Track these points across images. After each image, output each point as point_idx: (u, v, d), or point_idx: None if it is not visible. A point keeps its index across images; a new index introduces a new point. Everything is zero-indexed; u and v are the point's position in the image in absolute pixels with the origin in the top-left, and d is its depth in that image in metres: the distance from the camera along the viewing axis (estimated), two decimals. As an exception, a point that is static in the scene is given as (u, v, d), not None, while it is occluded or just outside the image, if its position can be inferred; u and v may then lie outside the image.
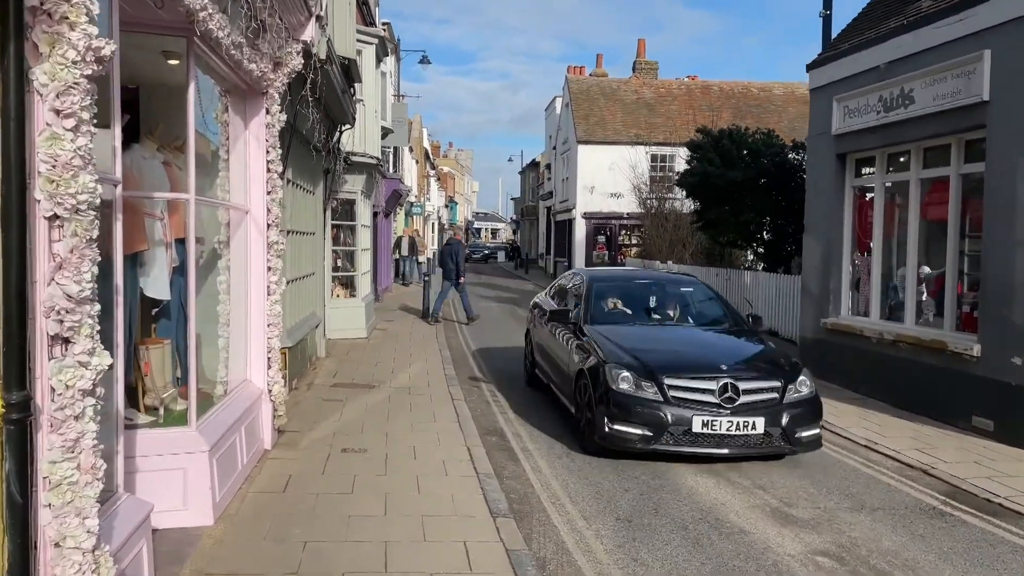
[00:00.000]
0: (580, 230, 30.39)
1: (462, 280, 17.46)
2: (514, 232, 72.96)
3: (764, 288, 16.27)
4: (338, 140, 12.15)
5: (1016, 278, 7.91)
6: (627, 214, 29.56)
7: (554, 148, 37.62)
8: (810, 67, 11.89)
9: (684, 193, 18.81)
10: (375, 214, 19.01)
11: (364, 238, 15.32)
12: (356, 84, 11.64)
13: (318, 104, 8.93)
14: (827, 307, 11.31)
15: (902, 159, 10.13)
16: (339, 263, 14.90)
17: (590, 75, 35.57)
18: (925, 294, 9.88)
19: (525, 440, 8.08)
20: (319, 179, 12.06)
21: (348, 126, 12.08)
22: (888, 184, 10.47)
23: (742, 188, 16.38)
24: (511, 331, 16.47)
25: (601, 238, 30.56)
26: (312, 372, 11.04)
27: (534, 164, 52.59)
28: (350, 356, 12.51)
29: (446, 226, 24.64)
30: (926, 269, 9.89)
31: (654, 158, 29.19)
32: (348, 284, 14.88)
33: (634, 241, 29.94)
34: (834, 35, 12.07)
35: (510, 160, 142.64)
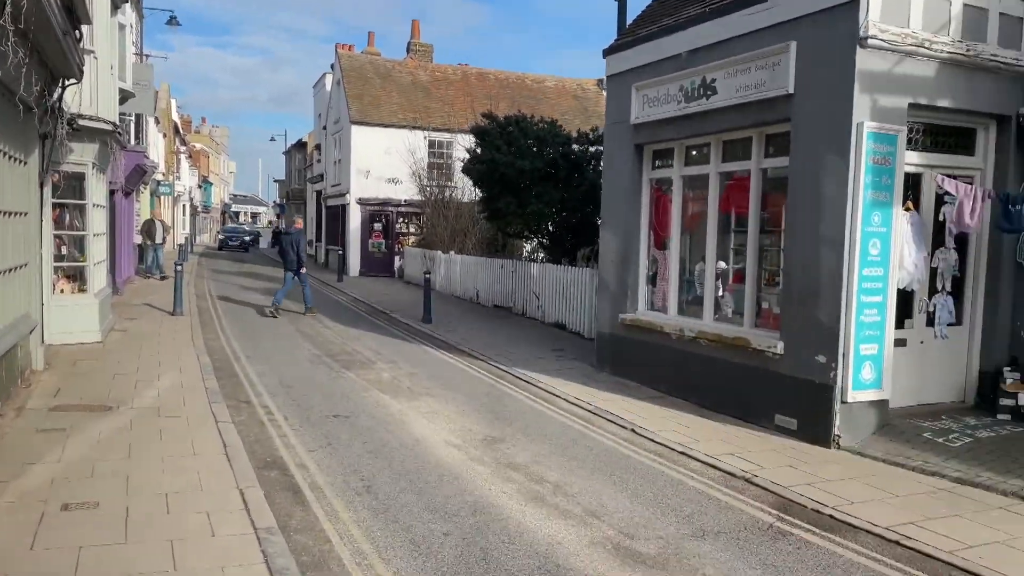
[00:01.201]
0: (355, 216, 28.63)
1: (303, 270, 16.68)
2: (278, 216, 68.71)
3: (552, 280, 15.91)
4: (60, 97, 9.69)
5: (820, 275, 7.86)
6: (405, 201, 28.35)
7: (324, 128, 35.31)
8: (607, 52, 11.46)
9: (466, 180, 17.98)
10: (112, 192, 16.08)
11: (98, 220, 12.67)
12: (83, 27, 9.28)
13: (24, 40, 6.74)
14: (625, 302, 10.97)
15: (703, 151, 9.95)
16: (64, 251, 12.19)
17: (362, 53, 33.73)
18: (722, 290, 9.79)
19: (313, 472, 6.65)
20: (32, 145, 9.53)
21: (74, 80, 9.66)
22: (687, 177, 10.28)
23: (530, 178, 15.87)
24: (281, 329, 14.64)
25: (378, 225, 29.03)
26: (23, 391, 8.65)
27: (301, 144, 49.46)
28: (79, 367, 10.12)
29: (277, 215, 22.10)
30: (722, 264, 9.80)
31: (432, 144, 28.21)
32: (76, 276, 12.20)
33: (413, 229, 28.81)
34: (630, 20, 11.75)
35: (272, 140, 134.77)
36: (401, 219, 29.25)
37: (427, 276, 16.25)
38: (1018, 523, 5.73)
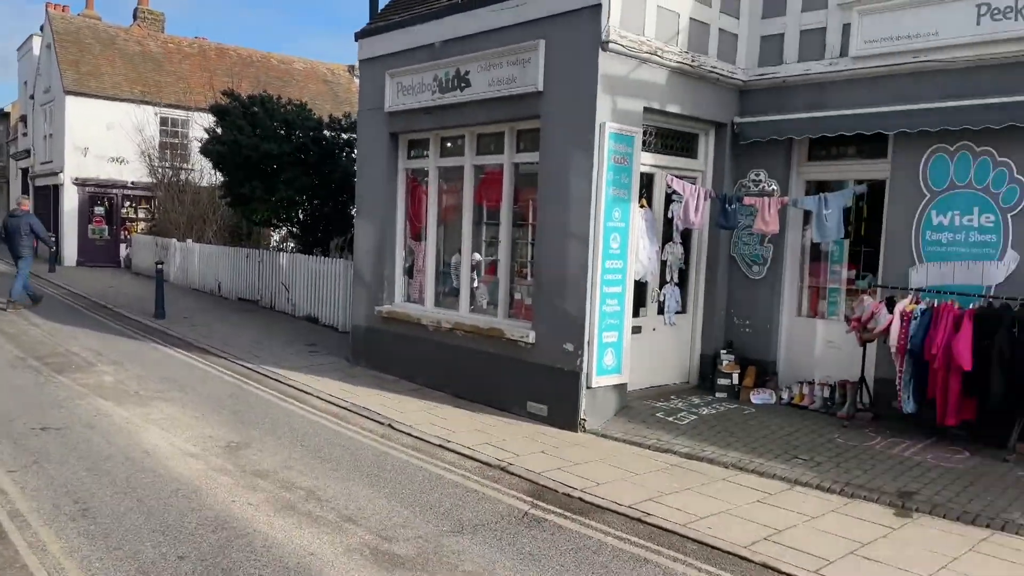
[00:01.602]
0: (71, 199, 25.21)
1: (26, 257, 14.90)
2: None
3: (303, 272, 15.16)
4: None
5: (568, 267, 8.19)
6: (133, 183, 25.55)
7: (32, 97, 30.77)
8: (359, 36, 11.07)
9: (205, 163, 16.56)
10: None
11: None
12: None
13: None
14: (381, 294, 10.71)
15: (458, 143, 9.95)
16: None
17: (78, 16, 29.83)
18: (477, 281, 9.89)
19: (14, 498, 5.63)
20: None
21: None
22: (442, 168, 10.23)
23: (277, 163, 14.98)
24: (-24, 329, 12.47)
25: (100, 210, 25.83)
26: None
27: (3, 115, 42.82)
28: None
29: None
30: (477, 256, 9.91)
31: (165, 121, 25.70)
32: None
33: (143, 215, 26.08)
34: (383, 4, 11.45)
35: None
36: (128, 203, 26.35)
37: (159, 267, 14.72)
38: (738, 492, 6.36)
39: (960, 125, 7.60)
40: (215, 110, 15.84)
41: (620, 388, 8.48)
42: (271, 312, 15.90)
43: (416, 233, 10.69)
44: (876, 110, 8.18)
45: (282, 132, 15.32)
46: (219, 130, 15.83)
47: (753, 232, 9.01)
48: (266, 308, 16.31)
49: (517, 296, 9.31)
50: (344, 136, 15.77)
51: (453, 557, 5.05)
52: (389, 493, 6.17)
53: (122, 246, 25.94)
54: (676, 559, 5.10)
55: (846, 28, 8.54)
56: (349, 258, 13.73)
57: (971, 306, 7.35)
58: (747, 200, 8.80)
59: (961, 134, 7.73)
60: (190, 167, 22.53)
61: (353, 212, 12.94)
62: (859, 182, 8.74)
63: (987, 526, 5.66)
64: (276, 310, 16.04)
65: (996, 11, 7.48)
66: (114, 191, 26.03)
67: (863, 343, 8.20)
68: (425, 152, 10.37)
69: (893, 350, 7.70)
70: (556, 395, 8.29)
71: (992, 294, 7.52)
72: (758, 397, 9.06)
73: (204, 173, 21.19)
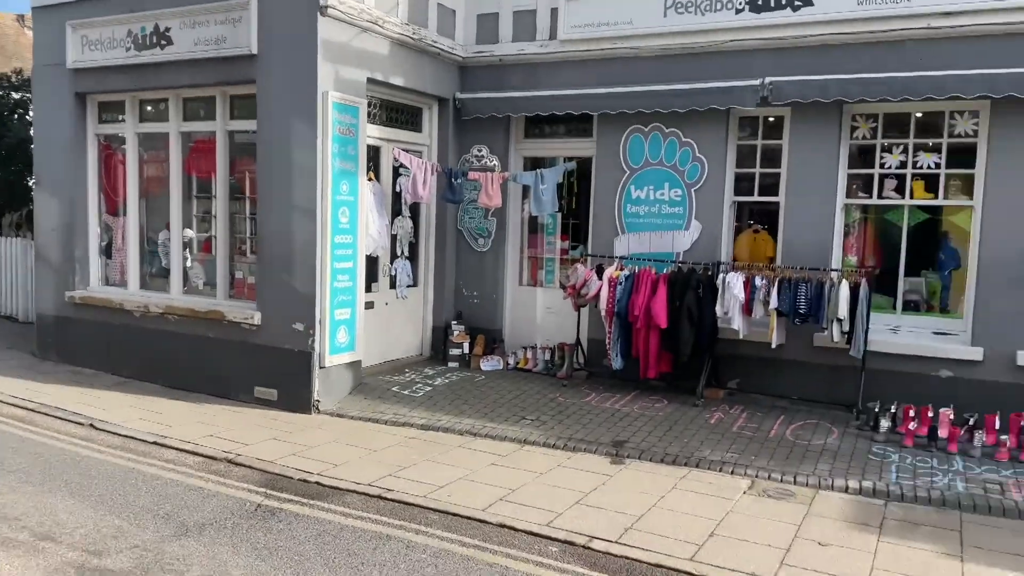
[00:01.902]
0: None
1: None
2: None
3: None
4: None
5: (295, 243, 7.81)
6: None
7: None
8: (30, -22, 9.50)
9: None
10: None
11: None
12: None
13: None
14: (72, 278, 9.41)
15: (161, 107, 8.98)
16: None
17: None
18: (191, 260, 9.08)
19: None
20: None
21: None
22: (143, 135, 9.18)
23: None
24: None
25: None
26: None
27: None
28: None
29: None
30: (189, 233, 9.08)
31: None
32: None
33: None
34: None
35: None
36: None
37: None
38: (474, 457, 6.56)
39: (652, 108, 8.45)
40: None
41: (355, 365, 8.32)
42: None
43: (114, 208, 9.52)
44: (583, 92, 8.80)
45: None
46: None
47: (478, 206, 9.29)
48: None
49: (239, 275, 8.70)
50: (16, 96, 13.52)
51: (179, 563, 4.61)
52: (96, 502, 5.46)
53: None
54: (419, 531, 5.13)
55: (554, 12, 9.06)
56: (29, 236, 11.89)
57: (665, 271, 8.26)
58: (472, 175, 9.03)
59: (653, 117, 8.60)
60: None
61: (32, 183, 11.18)
62: (569, 159, 9.37)
63: (685, 464, 6.43)
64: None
65: (680, 5, 8.38)
66: None
67: (577, 308, 8.86)
68: (121, 116, 9.23)
69: (603, 313, 8.41)
70: (286, 378, 7.91)
71: (681, 260, 8.51)
72: (487, 364, 9.43)
73: None
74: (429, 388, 8.51)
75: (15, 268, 12.03)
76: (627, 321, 8.26)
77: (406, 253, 9.42)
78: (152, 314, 8.73)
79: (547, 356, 9.39)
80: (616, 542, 4.97)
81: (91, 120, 9.38)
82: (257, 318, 8.01)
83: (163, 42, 8.38)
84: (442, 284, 9.80)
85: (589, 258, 8.92)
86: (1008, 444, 6.58)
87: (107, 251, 9.61)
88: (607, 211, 9.01)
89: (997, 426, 6.77)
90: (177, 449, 6.66)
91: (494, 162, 9.54)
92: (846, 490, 5.95)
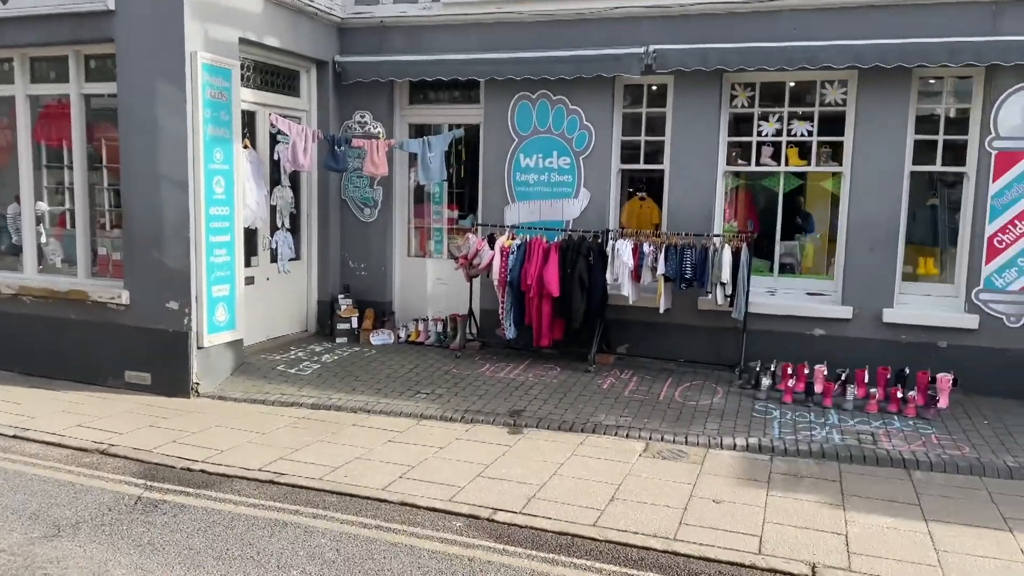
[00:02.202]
0: None
1: None
2: None
3: None
4: None
5: (164, 215, 7.27)
6: None
7: None
8: None
9: None
10: None
11: None
12: None
13: None
14: (-96, 258, 8.41)
15: (5, 68, 8.08)
16: None
17: None
18: (46, 236, 8.30)
19: None
20: None
21: None
22: (-16, 97, 8.27)
23: None
24: None
25: None
26: None
27: None
28: None
29: None
30: (43, 206, 8.30)
31: None
32: None
33: None
34: None
35: None
36: None
37: None
38: (369, 435, 6.37)
39: (539, 75, 8.37)
40: None
41: (236, 344, 7.89)
42: None
43: (-49, 179, 8.55)
44: (468, 57, 8.60)
45: None
46: None
47: (363, 175, 8.96)
48: None
49: (102, 251, 8.04)
50: None
51: (52, 566, 4.22)
52: (-53, 508, 4.93)
53: None
54: (316, 515, 4.93)
55: (438, -26, 8.79)
56: None
57: (556, 239, 8.27)
58: (355, 142, 8.69)
59: (540, 84, 8.53)
60: None
61: None
62: (457, 126, 9.18)
63: (581, 431, 6.51)
64: None
65: (562, -28, 8.31)
66: None
67: (469, 279, 8.76)
68: (-46, 77, 8.26)
69: (495, 283, 8.35)
70: (161, 360, 7.40)
71: (571, 228, 8.55)
72: (377, 338, 9.19)
73: None
74: (317, 366, 8.20)
75: None
76: (520, 290, 8.24)
77: (287, 225, 8.98)
78: (3, 295, 7.94)
79: (439, 328, 9.26)
80: (520, 512, 4.96)
81: (-83, 80, 8.34)
82: (125, 297, 7.44)
83: (3, -6, 7.52)
84: (327, 257, 9.44)
85: (480, 228, 8.82)
86: (877, 396, 7.04)
87: (-54, 228, 8.65)
88: (497, 180, 8.91)
89: (866, 380, 7.23)
90: (41, 442, 6.11)
91: (378, 129, 9.21)
92: (734, 448, 6.19)
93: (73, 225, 8.00)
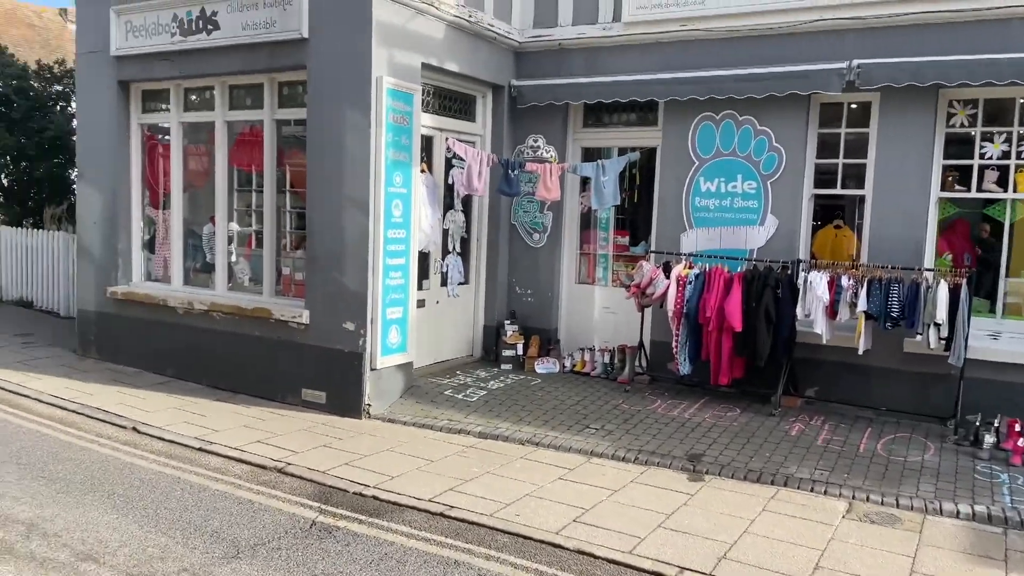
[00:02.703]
0: None
1: None
2: None
3: (11, 248, 12.65)
4: None
5: (345, 237, 7.39)
6: None
7: None
8: (74, -37, 9.20)
9: None
10: None
11: None
12: None
13: None
14: (114, 273, 9.10)
15: (206, 95, 8.62)
16: None
17: None
18: (235, 255, 8.72)
19: None
20: None
21: None
22: (188, 124, 8.83)
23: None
24: None
25: None
26: None
27: None
28: None
29: None
30: (235, 227, 8.72)
31: None
32: None
33: None
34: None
35: None
36: None
37: None
38: (539, 470, 6.07)
39: (725, 94, 7.86)
40: None
41: (406, 367, 7.88)
42: (-31, 297, 13.14)
43: (157, 200, 9.20)
44: (649, 77, 8.24)
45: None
46: None
47: (535, 199, 8.77)
48: (-38, 292, 13.47)
49: (285, 271, 8.32)
50: (59, 87, 13.32)
51: (231, 591, 4.20)
52: (140, 516, 5.08)
53: None
54: (489, 556, 4.66)
55: (619, -7, 8.52)
56: (70, 230, 11.67)
57: (739, 269, 7.68)
58: (529, 166, 8.53)
59: (726, 103, 8.01)
60: None
61: (74, 176, 10.94)
62: (631, 149, 8.82)
63: (771, 483, 5.88)
64: (-24, 294, 13.30)
65: (757, -15, 7.78)
66: None
67: (641, 308, 8.33)
68: (165, 105, 8.89)
69: (670, 314, 7.86)
70: (336, 380, 7.50)
71: (756, 257, 7.92)
72: (542, 366, 8.93)
73: None
74: (484, 392, 8.04)
75: (57, 262, 11.82)
76: (697, 323, 7.71)
77: (458, 249, 8.95)
78: (196, 311, 8.38)
79: (606, 359, 8.86)
80: (710, 575, 4.45)
81: (135, 109, 9.05)
82: (305, 317, 7.61)
83: (209, 27, 8.00)
84: (494, 281, 9.32)
85: (653, 255, 8.38)
86: None
87: (150, 245, 9.30)
88: (673, 205, 8.45)
89: (1120, 445, 6.11)
90: (223, 456, 6.28)
91: (551, 153, 9.02)
92: (957, 515, 5.35)
93: (260, 245, 8.33)
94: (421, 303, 8.27)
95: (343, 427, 7.09)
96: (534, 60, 9.07)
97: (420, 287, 8.27)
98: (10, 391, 7.82)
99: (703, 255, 8.08)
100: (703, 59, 8.09)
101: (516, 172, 8.53)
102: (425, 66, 7.84)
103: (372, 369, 7.40)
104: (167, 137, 8.95)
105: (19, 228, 12.76)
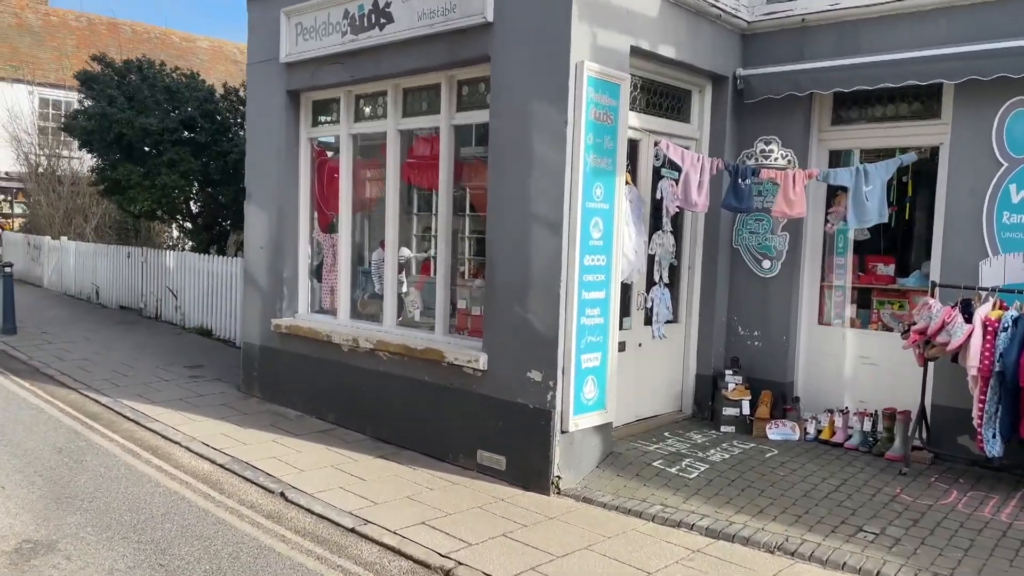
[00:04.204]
0: (-68, 192, 21.77)
1: None
2: None
3: (194, 274, 12.47)
4: None
5: (532, 265, 5.92)
6: (7, 173, 22.13)
7: None
8: (247, -32, 8.54)
9: (80, 147, 13.62)
10: None
11: None
12: None
13: None
14: (279, 303, 8.22)
15: (378, 102, 7.55)
16: None
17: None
18: (407, 285, 7.54)
19: None
20: None
21: None
22: (358, 136, 7.82)
23: (159, 141, 12.22)
24: None
25: (-33, 204, 22.43)
26: None
27: None
28: None
29: None
30: (407, 252, 7.55)
31: (44, 103, 22.38)
32: None
33: (20, 210, 22.67)
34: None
35: None
36: (4, 196, 22.91)
37: (7, 268, 11.74)
38: (805, 601, 4.21)
39: (1051, 70, 5.64)
40: (82, 77, 12.93)
41: (604, 429, 6.26)
42: (156, 324, 13.11)
43: (326, 223, 8.25)
44: (935, 52, 6.16)
45: (165, 106, 12.55)
46: (88, 103, 12.93)
47: (773, 215, 6.86)
48: (150, 319, 13.51)
49: (461, 304, 6.99)
50: (243, 109, 13.07)
51: None
52: (264, 639, 3.78)
53: (-5, 246, 22.46)
54: None
55: (886, -51, 6.51)
56: (247, 256, 11.15)
57: (1081, 312, 5.39)
58: (766, 173, 6.67)
59: (1053, 82, 5.77)
60: (71, 154, 19.33)
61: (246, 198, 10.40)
62: (903, 150, 6.73)
63: None
64: (163, 320, 13.27)
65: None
66: (-17, 183, 22.55)
67: (924, 361, 6.18)
68: (335, 116, 7.92)
69: (971, 372, 5.69)
70: (518, 442, 6.00)
71: (1105, 295, 5.58)
72: (776, 432, 6.97)
73: (87, 160, 18.08)
74: (704, 466, 6.21)
75: (234, 289, 11.36)
76: (1016, 386, 5.48)
77: (665, 279, 7.22)
78: (362, 350, 7.23)
79: (865, 426, 6.75)
80: None
81: (304, 122, 8.18)
82: (482, 361, 6.19)
83: (382, 20, 6.90)
84: (710, 320, 7.49)
85: (939, 289, 6.22)
86: None
87: (318, 273, 8.35)
88: (967, 222, 6.26)
89: None
90: (379, 544, 4.92)
91: (787, 158, 7.11)
92: None
93: (434, 274, 7.06)
94: (621, 346, 6.60)
95: (526, 506, 5.55)
96: (766, 43, 7.23)
97: (620, 326, 6.62)
98: (162, 435, 7.01)
99: (1014, 290, 5.84)
100: (1009, 25, 5.91)
101: (748, 181, 6.70)
102: (634, 51, 6.26)
103: (563, 431, 5.84)
104: (337, 153, 7.98)
105: (201, 255, 12.54)
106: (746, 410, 7.12)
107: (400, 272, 7.47)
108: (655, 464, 6.20)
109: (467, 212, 7.03)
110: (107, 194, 13.37)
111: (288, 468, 6.21)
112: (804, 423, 7.03)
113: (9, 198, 22.89)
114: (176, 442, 6.83)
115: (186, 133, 12.51)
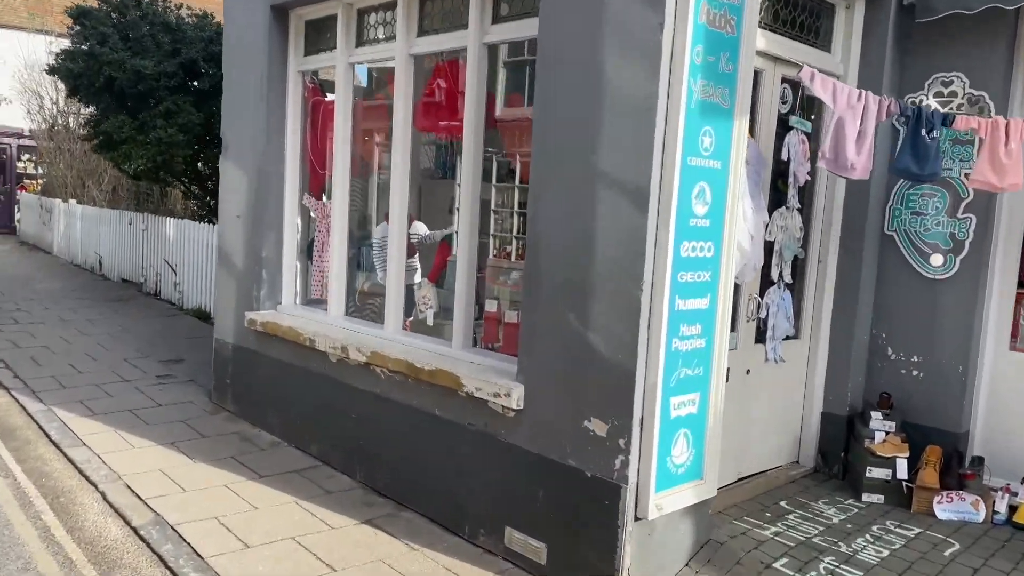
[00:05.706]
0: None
1: None
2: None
3: (193, 245, 10.66)
4: None
5: (599, 254, 3.77)
6: (31, 130, 20.76)
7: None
8: None
9: (68, 94, 11.89)
10: None
11: None
12: None
13: None
14: (256, 291, 6.24)
15: (386, 18, 5.43)
16: None
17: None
18: (420, 275, 5.48)
19: None
20: None
21: None
22: (360, 65, 5.74)
23: (154, 88, 10.38)
24: None
25: (-10, 165, 21.16)
26: None
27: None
28: None
29: None
30: (422, 227, 5.49)
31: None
32: None
33: (42, 171, 21.35)
34: None
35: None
36: (27, 155, 21.61)
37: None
38: None
39: None
40: (74, 12, 11.11)
41: (700, 509, 4.11)
42: (152, 302, 11.37)
43: (319, 185, 6.22)
44: None
45: (166, 46, 10.68)
46: (83, 45, 11.13)
47: (970, 186, 4.56)
48: (149, 295, 11.80)
49: (491, 307, 4.90)
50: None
51: None
52: None
53: (16, 208, 21.23)
54: None
55: None
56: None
57: None
58: (965, 122, 4.35)
59: None
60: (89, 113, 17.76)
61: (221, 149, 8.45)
62: None
63: None
64: (161, 298, 11.54)
65: None
66: (7, 141, 21.23)
67: None
68: (332, 40, 5.82)
69: None
70: (566, 524, 3.91)
71: None
72: (949, 509, 4.72)
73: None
74: (855, 570, 4.01)
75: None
76: None
77: (787, 277, 5.00)
78: (353, 362, 5.20)
79: (1095, 509, 4.46)
80: None
81: (293, 51, 6.12)
82: (516, 396, 4.09)
83: None
84: (848, 336, 5.23)
85: None
86: None
87: (309, 251, 6.34)
88: None
89: None
90: None
91: (978, 104, 4.79)
92: None
93: (454, 259, 4.97)
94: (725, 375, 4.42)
95: (578, 642, 3.47)
96: (955, -68, 4.88)
97: (726, 347, 4.42)
98: (81, 469, 5.13)
99: None
100: None
101: (935, 133, 4.39)
102: (766, -74, 4.02)
103: (638, 518, 3.72)
104: (333, 89, 5.92)
105: (201, 223, 10.71)
106: (902, 473, 4.87)
107: (412, 256, 5.41)
108: (778, 567, 4.03)
109: (506, 174, 4.92)
110: (100, 150, 11.61)
111: (230, 540, 4.24)
112: (992, 496, 4.76)
113: (34, 159, 21.57)
114: (94, 484, 4.93)
115: (189, 81, 10.62)
